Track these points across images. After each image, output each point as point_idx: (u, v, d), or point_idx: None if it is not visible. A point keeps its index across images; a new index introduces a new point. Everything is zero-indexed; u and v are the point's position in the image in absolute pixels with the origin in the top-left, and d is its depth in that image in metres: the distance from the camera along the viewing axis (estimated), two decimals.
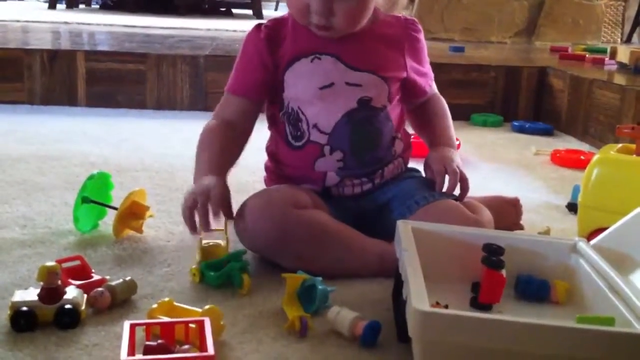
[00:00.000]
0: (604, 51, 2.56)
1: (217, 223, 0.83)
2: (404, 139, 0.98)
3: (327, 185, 0.94)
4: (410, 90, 0.98)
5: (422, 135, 1.04)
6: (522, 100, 2.11)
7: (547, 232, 1.02)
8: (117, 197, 1.00)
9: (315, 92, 0.91)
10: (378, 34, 0.94)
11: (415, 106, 1.02)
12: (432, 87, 1.03)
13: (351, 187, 0.94)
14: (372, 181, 0.95)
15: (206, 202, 0.81)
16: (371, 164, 0.94)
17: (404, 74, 0.96)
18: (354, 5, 0.87)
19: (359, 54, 0.92)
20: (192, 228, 0.82)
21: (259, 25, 0.95)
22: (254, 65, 0.93)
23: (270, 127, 0.99)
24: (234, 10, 5.14)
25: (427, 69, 1.00)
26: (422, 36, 0.99)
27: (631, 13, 4.01)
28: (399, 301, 0.69)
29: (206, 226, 0.81)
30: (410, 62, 0.96)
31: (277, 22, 0.94)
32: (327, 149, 0.92)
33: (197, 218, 0.82)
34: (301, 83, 0.92)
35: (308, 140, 0.93)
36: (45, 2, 4.95)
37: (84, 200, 0.96)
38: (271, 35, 0.93)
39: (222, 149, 0.91)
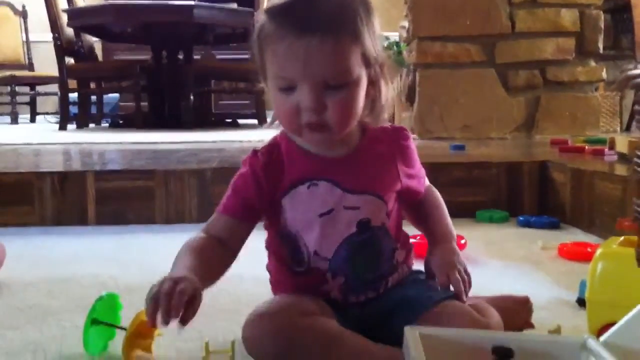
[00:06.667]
0: (604, 142, 2.59)
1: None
2: (404, 246, 0.99)
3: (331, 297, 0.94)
4: (406, 195, 1.00)
5: (420, 229, 1.05)
6: (525, 195, 2.13)
7: (557, 330, 1.01)
8: (127, 317, 1.00)
9: (315, 219, 0.92)
10: (370, 153, 0.95)
11: (411, 204, 1.03)
12: (425, 183, 1.04)
13: (355, 297, 0.95)
14: (376, 290, 0.95)
15: (172, 289, 0.76)
16: (374, 280, 0.95)
17: (399, 185, 0.97)
18: (345, 96, 0.86)
19: (354, 177, 0.93)
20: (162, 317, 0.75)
21: (255, 152, 0.95)
22: (248, 188, 0.93)
23: (268, 252, 0.99)
24: (240, 121, 5.28)
25: (418, 168, 1.01)
26: (411, 142, 0.99)
27: (628, 102, 4.09)
28: None
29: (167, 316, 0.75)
30: (402, 169, 0.97)
31: (271, 147, 0.95)
32: (329, 275, 0.93)
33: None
34: (300, 210, 0.92)
35: (309, 268, 0.93)
36: (56, 123, 5.11)
37: (94, 322, 0.97)
38: (268, 162, 0.93)
39: (204, 259, 0.88)
